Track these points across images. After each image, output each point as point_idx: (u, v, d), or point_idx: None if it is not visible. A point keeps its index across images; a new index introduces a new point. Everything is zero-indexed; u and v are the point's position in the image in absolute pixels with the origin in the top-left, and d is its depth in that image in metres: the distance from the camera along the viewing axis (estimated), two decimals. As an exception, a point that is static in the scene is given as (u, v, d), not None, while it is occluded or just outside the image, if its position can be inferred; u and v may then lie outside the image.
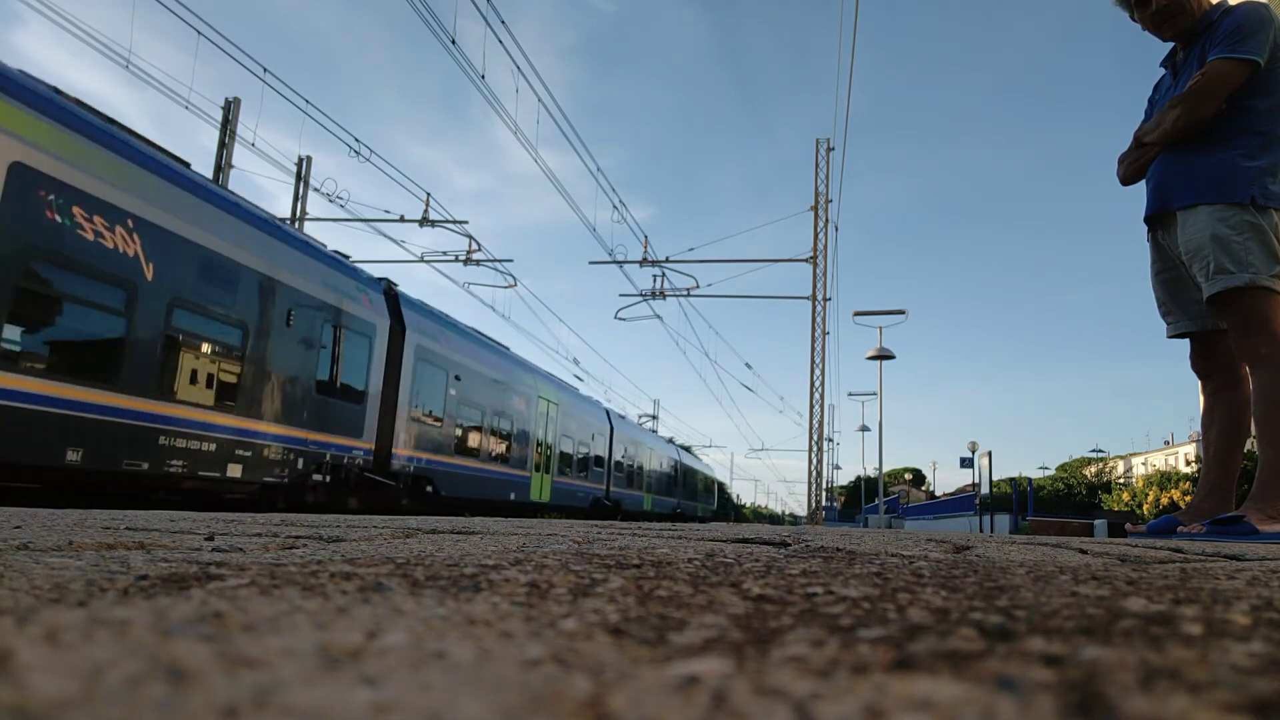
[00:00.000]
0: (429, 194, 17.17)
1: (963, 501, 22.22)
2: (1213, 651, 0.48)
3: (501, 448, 15.18)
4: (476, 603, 0.65)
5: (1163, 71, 3.39)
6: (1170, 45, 3.31)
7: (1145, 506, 19.19)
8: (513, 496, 15.63)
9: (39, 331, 6.50)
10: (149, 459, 7.29)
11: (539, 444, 17.00)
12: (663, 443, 32.56)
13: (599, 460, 21.94)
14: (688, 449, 47.08)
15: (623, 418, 25.82)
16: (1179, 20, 3.15)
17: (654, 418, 39.99)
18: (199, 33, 10.74)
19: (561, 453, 18.62)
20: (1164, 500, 18.45)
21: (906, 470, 78.76)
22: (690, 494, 36.68)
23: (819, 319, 21.34)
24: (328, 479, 9.84)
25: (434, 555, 1.13)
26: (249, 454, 8.56)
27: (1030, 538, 2.69)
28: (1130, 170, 3.30)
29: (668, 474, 31.61)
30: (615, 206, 20.98)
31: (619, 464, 23.79)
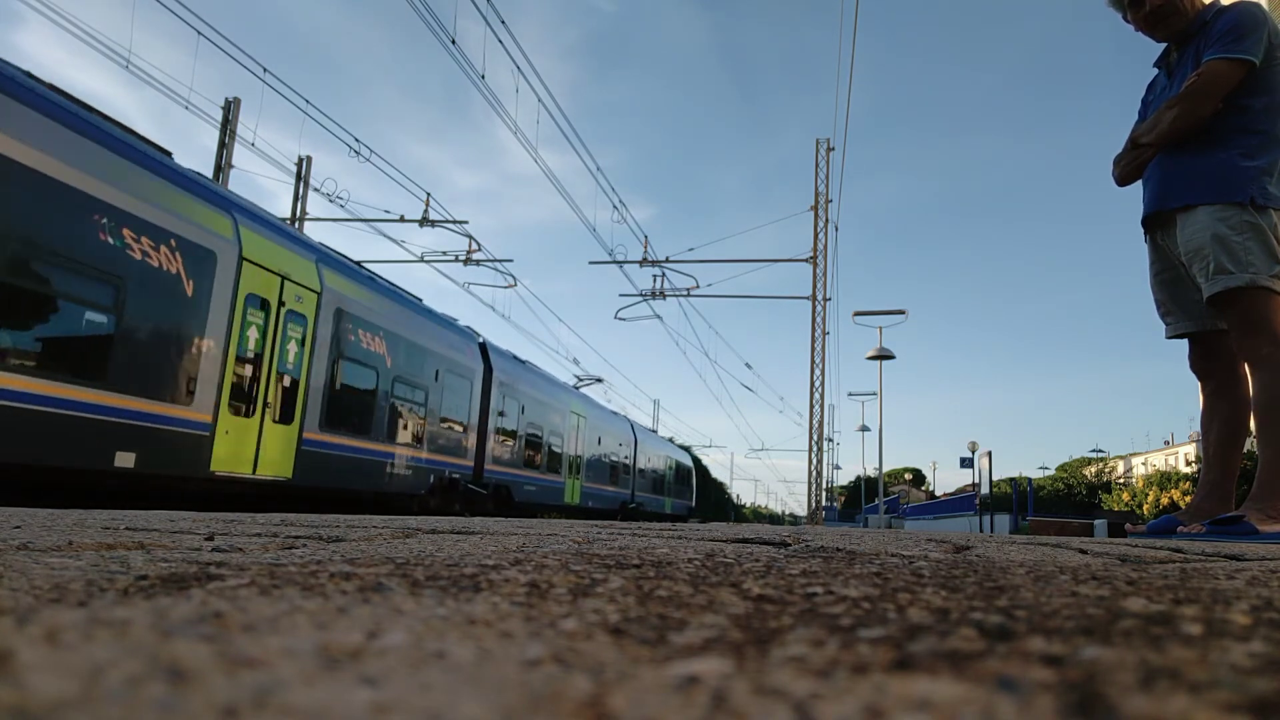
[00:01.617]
0: (429, 194, 17.20)
1: (963, 501, 22.23)
2: (1213, 651, 0.48)
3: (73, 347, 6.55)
4: (476, 603, 0.65)
5: (1156, 72, 3.39)
6: (1163, 46, 3.31)
7: (1145, 506, 19.20)
8: (138, 460, 6.88)
9: None
10: None
11: (246, 362, 8.26)
12: (605, 412, 22.94)
13: (460, 421, 13.05)
14: (688, 450, 39.21)
15: (521, 362, 16.40)
16: (1172, 21, 3.15)
17: (597, 380, 26.76)
18: (199, 33, 10.74)
19: (340, 392, 9.67)
20: (1164, 500, 18.47)
21: (906, 470, 78.81)
22: (652, 485, 27.81)
23: (819, 319, 21.35)
24: None
25: (434, 555, 1.13)
26: None
27: (1030, 538, 2.69)
28: (1126, 171, 3.30)
29: (611, 455, 22.40)
30: (615, 206, 20.98)
31: (508, 431, 14.98)
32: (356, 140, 14.24)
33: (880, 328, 21.60)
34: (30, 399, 6.03)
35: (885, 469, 33.50)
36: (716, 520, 46.39)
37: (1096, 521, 14.37)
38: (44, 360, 6.21)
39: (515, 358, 16.40)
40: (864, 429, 34.30)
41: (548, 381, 18.29)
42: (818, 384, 21.65)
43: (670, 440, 36.35)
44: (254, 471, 8.41)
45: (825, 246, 21.13)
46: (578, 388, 23.14)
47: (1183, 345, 3.31)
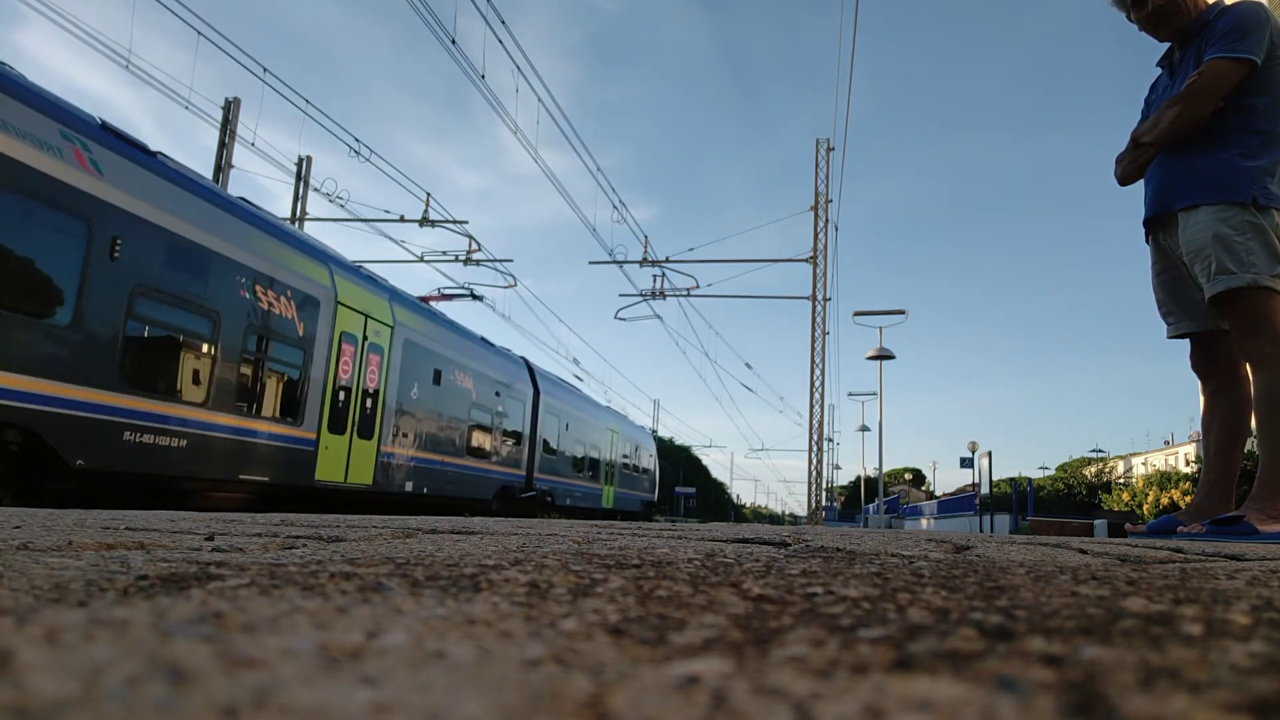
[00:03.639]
0: (429, 194, 17.20)
1: (963, 501, 22.25)
2: (1213, 651, 0.48)
3: None
4: (476, 603, 0.65)
5: (1159, 71, 3.40)
6: (1166, 45, 3.32)
7: (1145, 506, 19.20)
8: None
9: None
10: None
11: None
12: (468, 341, 13.75)
13: None
14: (619, 415, 24.95)
15: (239, 207, 8.67)
16: (1175, 20, 3.15)
17: (474, 297, 18.16)
18: (199, 33, 10.74)
19: None
20: (1164, 500, 18.47)
21: (906, 470, 78.97)
22: (574, 466, 19.17)
23: (819, 319, 21.35)
24: None
25: (434, 555, 1.13)
26: None
27: (1030, 538, 2.69)
28: (1128, 171, 3.30)
29: (479, 411, 13.72)
30: (615, 206, 20.97)
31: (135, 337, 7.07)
32: (356, 140, 14.24)
33: (880, 328, 21.61)
34: None
35: (885, 469, 33.39)
36: (716, 520, 46.20)
37: (1096, 521, 14.39)
38: None
39: (243, 205, 8.75)
40: (864, 429, 34.27)
41: (248, 222, 8.59)
42: (818, 384, 21.66)
43: (610, 407, 25.04)
44: None
45: (825, 246, 21.15)
46: (426, 300, 14.43)
47: (1183, 345, 3.32)
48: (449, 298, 17.50)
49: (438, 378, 12.36)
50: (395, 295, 11.57)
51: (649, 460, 27.50)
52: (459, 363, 13.07)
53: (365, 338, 10.44)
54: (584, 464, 20.04)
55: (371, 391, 10.59)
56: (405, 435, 11.41)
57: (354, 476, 10.22)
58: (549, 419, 17.34)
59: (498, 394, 14.56)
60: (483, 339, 14.61)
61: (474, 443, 13.65)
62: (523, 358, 16.71)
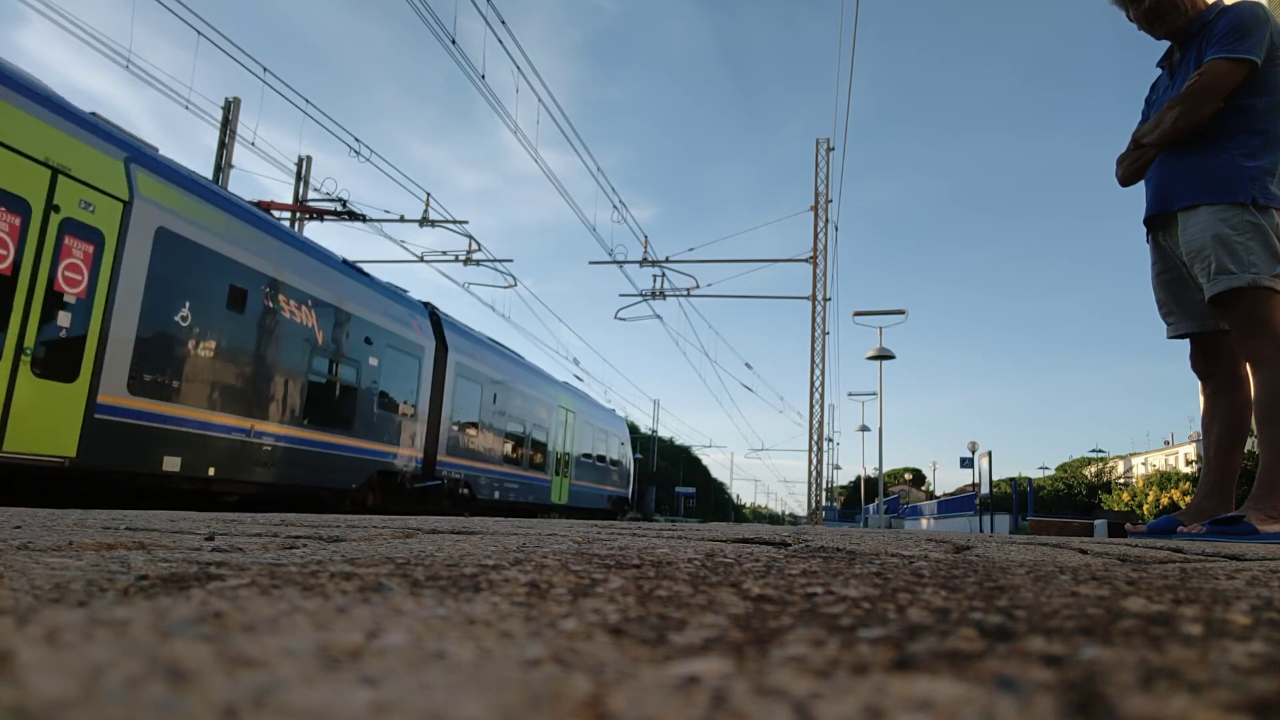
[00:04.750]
0: (429, 194, 17.18)
1: (963, 501, 22.26)
2: (1213, 651, 0.48)
3: None
4: (476, 603, 0.65)
5: (1159, 72, 3.40)
6: (1165, 45, 3.32)
7: (1145, 506, 19.21)
8: None
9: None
10: None
11: None
12: (330, 266, 9.90)
13: None
14: (579, 400, 20.43)
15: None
16: (1171, 18, 3.16)
17: (351, 216, 14.94)
18: (199, 33, 10.74)
19: None
20: (1164, 500, 18.47)
21: (906, 470, 79.07)
22: (511, 454, 15.34)
23: (819, 319, 21.35)
24: None
25: (434, 555, 1.13)
26: None
27: (1030, 538, 2.69)
28: (1129, 171, 3.31)
29: (360, 368, 10.26)
30: (615, 206, 20.92)
31: None
32: (357, 140, 14.22)
33: (880, 328, 21.59)
34: None
35: (885, 469, 33.36)
36: (716, 520, 46.15)
37: (1096, 521, 14.38)
38: None
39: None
40: (864, 429, 34.24)
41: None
42: (818, 384, 21.65)
43: (566, 383, 20.24)
44: None
45: (825, 246, 21.14)
46: (264, 206, 10.90)
47: (1183, 345, 3.32)
48: (315, 212, 13.18)
49: (240, 300, 8.24)
50: (142, 157, 7.22)
51: (620, 448, 23.11)
52: (288, 286, 8.90)
53: (55, 208, 6.23)
54: (523, 448, 15.90)
55: (74, 302, 6.42)
56: (162, 383, 7.31)
57: (31, 443, 6.10)
58: (466, 386, 13.30)
59: (369, 341, 10.45)
60: (347, 262, 10.52)
61: (320, 406, 9.53)
62: (426, 303, 12.75)
